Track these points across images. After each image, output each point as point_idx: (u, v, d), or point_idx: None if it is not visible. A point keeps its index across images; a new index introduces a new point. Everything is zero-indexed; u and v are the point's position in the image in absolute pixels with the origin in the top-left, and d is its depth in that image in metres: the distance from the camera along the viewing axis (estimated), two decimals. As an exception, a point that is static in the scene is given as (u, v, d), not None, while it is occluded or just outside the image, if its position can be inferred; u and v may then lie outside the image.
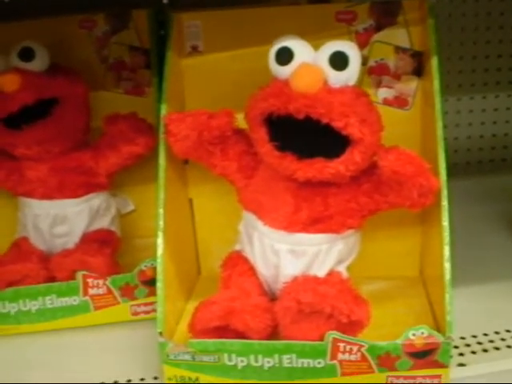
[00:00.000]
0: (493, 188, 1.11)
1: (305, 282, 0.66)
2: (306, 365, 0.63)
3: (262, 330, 0.65)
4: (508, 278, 0.84)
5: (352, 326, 0.64)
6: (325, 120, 0.61)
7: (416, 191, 0.63)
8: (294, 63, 0.62)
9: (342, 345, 0.62)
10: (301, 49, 0.63)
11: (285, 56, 0.63)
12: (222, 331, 0.64)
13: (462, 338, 0.72)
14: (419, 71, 0.76)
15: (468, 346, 0.71)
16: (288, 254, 0.68)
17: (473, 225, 0.99)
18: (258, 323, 0.64)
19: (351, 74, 0.62)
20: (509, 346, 0.71)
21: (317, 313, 0.63)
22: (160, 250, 0.68)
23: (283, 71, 0.63)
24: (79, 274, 0.77)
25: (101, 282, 0.77)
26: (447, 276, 0.64)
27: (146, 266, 0.77)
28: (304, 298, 0.63)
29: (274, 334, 0.66)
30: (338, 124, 0.61)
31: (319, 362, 0.63)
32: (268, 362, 0.63)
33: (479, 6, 1.12)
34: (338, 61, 0.61)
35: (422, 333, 0.62)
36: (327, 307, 0.62)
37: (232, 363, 0.64)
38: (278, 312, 0.65)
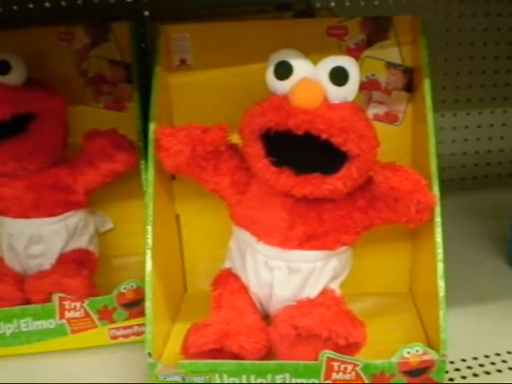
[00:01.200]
0: (488, 204, 1.17)
1: (300, 306, 0.70)
2: None
3: (257, 351, 0.68)
4: (498, 298, 0.88)
5: (349, 348, 0.67)
6: (324, 135, 0.65)
7: (414, 207, 0.68)
8: (294, 78, 0.66)
9: (336, 364, 0.66)
10: (300, 63, 0.67)
11: (284, 70, 0.67)
12: (217, 353, 0.68)
13: (452, 363, 0.75)
14: (410, 87, 0.81)
15: (458, 370, 0.75)
16: (283, 271, 0.72)
17: (467, 241, 1.05)
18: (254, 344, 0.68)
19: (351, 89, 0.67)
20: (499, 371, 0.74)
21: (314, 336, 0.67)
22: (148, 268, 0.71)
23: (282, 86, 0.67)
24: (55, 297, 0.79)
25: (78, 304, 0.79)
26: (441, 293, 0.69)
27: (125, 288, 0.79)
28: (301, 322, 0.67)
29: (268, 353, 0.70)
30: (337, 140, 0.65)
31: (313, 382, 0.67)
32: (261, 382, 0.67)
33: (476, 21, 1.19)
34: (339, 76, 0.66)
35: (417, 351, 0.66)
36: (325, 331, 0.66)
37: None
38: (274, 339, 0.69)
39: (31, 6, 1.03)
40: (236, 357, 0.68)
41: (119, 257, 0.93)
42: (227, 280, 0.76)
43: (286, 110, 0.65)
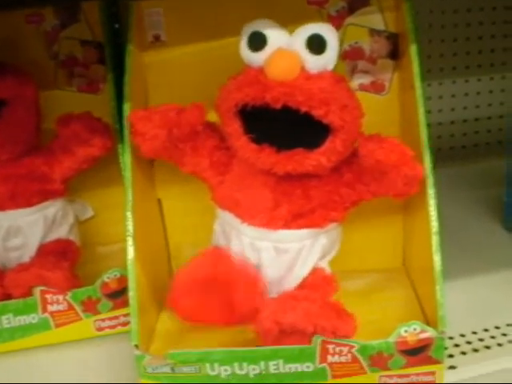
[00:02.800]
0: (478, 173, 1.15)
1: (284, 301, 0.66)
2: (293, 370, 0.64)
3: (252, 280, 0.67)
4: (497, 268, 0.86)
5: None
6: (304, 108, 0.62)
7: (400, 180, 0.65)
8: (268, 49, 0.64)
9: (331, 347, 0.63)
10: (275, 33, 0.64)
11: (258, 41, 0.64)
12: (207, 291, 0.66)
13: (451, 338, 0.73)
14: (395, 54, 0.78)
15: (457, 346, 0.73)
16: (270, 252, 0.69)
17: (459, 211, 1.02)
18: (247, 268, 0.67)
19: (329, 58, 0.64)
20: (500, 344, 0.72)
21: (299, 331, 0.64)
22: (130, 256, 0.69)
23: (257, 58, 0.64)
24: (37, 290, 0.76)
25: (60, 297, 0.77)
26: (437, 268, 0.66)
27: (108, 278, 0.77)
28: (284, 318, 0.63)
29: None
30: (318, 112, 0.62)
31: (308, 366, 0.64)
32: (253, 369, 0.64)
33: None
34: (316, 44, 0.63)
35: (415, 329, 0.63)
36: (310, 326, 0.63)
37: (215, 373, 0.64)
38: (258, 334, 0.66)
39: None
40: (227, 289, 0.66)
41: (102, 245, 0.91)
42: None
43: (263, 83, 0.63)
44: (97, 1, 0.85)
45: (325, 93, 0.63)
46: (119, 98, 0.79)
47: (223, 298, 0.66)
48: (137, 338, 0.66)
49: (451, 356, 0.71)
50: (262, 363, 0.64)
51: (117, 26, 0.90)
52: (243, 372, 0.65)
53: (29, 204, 0.81)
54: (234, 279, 0.66)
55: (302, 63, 0.63)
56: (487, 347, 0.72)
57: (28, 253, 0.82)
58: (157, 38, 0.79)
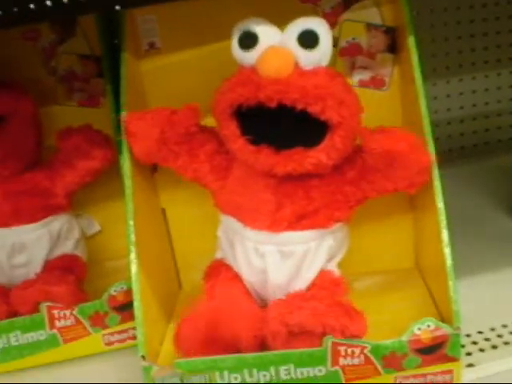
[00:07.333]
0: (491, 170, 1.13)
1: (290, 301, 0.65)
2: (305, 374, 0.63)
3: (251, 339, 0.64)
4: (508, 263, 0.84)
5: None
6: (300, 106, 0.60)
7: (416, 167, 0.64)
8: (260, 47, 0.62)
9: (342, 348, 0.61)
10: (265, 31, 0.63)
11: (249, 40, 0.63)
12: (211, 344, 0.64)
13: (468, 336, 0.72)
14: (393, 48, 0.77)
15: (475, 343, 0.71)
16: (275, 256, 0.67)
17: (473, 210, 1.00)
18: (248, 332, 0.64)
19: (323, 52, 0.62)
20: None
21: (308, 332, 0.62)
22: (134, 267, 0.67)
23: (249, 57, 0.63)
24: (43, 306, 0.75)
25: (68, 312, 0.75)
26: (448, 262, 0.64)
27: (115, 291, 0.76)
28: (291, 319, 0.62)
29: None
30: (314, 108, 0.61)
31: (320, 370, 0.62)
32: (264, 375, 0.63)
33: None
34: (308, 39, 0.61)
35: (428, 326, 0.61)
36: (318, 326, 0.61)
37: (225, 381, 0.63)
38: (267, 336, 0.64)
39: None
40: (230, 346, 0.64)
41: (111, 260, 0.89)
42: (219, 270, 0.71)
43: (256, 82, 0.61)
44: (93, 14, 0.83)
45: (320, 89, 0.61)
46: (119, 110, 0.78)
47: (228, 347, 0.64)
48: (144, 349, 0.64)
49: (469, 354, 0.69)
50: (273, 369, 0.62)
51: (116, 41, 0.88)
52: (253, 379, 0.63)
53: (33, 220, 0.80)
54: (236, 325, 0.64)
55: (295, 60, 0.62)
56: (506, 343, 0.70)
57: (34, 269, 0.81)
58: (152, 46, 0.77)
